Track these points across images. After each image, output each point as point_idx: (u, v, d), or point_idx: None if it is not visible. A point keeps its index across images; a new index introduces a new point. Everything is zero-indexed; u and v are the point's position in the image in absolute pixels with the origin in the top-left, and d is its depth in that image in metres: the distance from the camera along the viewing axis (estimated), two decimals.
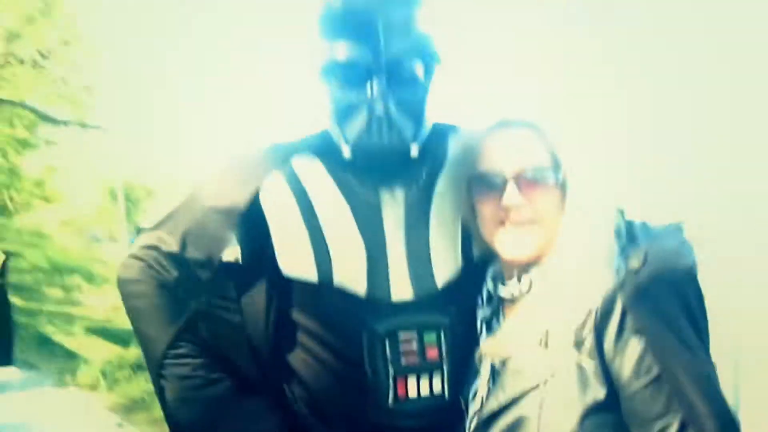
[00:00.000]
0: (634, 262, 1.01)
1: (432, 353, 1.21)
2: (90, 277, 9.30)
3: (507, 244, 1.12)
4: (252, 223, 1.25)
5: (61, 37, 14.66)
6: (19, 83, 16.89)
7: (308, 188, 1.25)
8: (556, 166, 1.12)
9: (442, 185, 1.27)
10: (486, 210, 1.14)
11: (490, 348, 1.15)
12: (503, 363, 1.12)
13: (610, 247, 1.06)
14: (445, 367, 1.22)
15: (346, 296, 1.21)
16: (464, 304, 1.24)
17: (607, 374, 1.01)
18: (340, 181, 1.25)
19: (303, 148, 1.29)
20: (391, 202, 1.25)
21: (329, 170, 1.26)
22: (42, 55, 14.54)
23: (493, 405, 1.09)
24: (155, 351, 1.24)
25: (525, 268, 1.14)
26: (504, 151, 1.13)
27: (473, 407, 1.17)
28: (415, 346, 1.21)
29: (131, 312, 1.30)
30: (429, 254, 1.24)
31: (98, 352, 5.47)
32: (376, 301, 1.22)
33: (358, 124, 1.16)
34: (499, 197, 1.10)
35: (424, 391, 1.21)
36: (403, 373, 1.20)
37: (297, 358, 1.27)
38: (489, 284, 1.22)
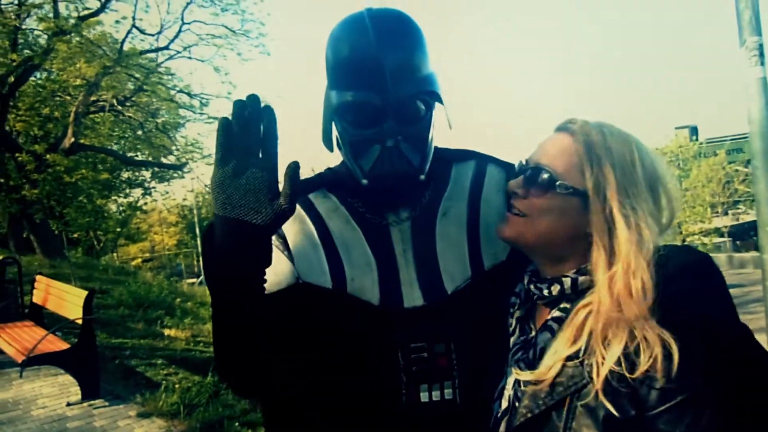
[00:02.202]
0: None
1: (442, 361, 1.28)
2: (171, 310, 9.64)
3: (501, 223, 1.22)
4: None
5: (137, 84, 15.36)
6: (99, 129, 17.83)
7: (324, 216, 1.37)
8: (576, 176, 1.13)
9: (445, 205, 1.40)
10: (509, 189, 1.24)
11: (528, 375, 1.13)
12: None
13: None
14: (455, 374, 1.29)
15: (360, 303, 1.30)
16: (476, 311, 1.31)
17: (635, 397, 1.01)
18: (351, 209, 1.38)
19: (317, 184, 1.43)
20: (397, 222, 1.36)
21: (341, 201, 1.39)
22: (120, 102, 15.25)
23: (523, 411, 1.10)
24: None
25: (559, 273, 1.16)
26: (540, 147, 1.21)
27: (500, 412, 1.19)
28: (425, 355, 1.28)
29: None
30: (437, 264, 1.34)
31: (179, 381, 5.70)
32: (389, 309, 1.30)
33: (372, 156, 1.28)
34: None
35: (436, 397, 1.28)
36: (414, 381, 1.28)
37: (311, 361, 1.34)
38: (525, 282, 1.24)
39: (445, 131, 1.39)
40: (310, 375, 1.34)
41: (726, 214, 32.92)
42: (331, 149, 1.39)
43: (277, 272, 1.30)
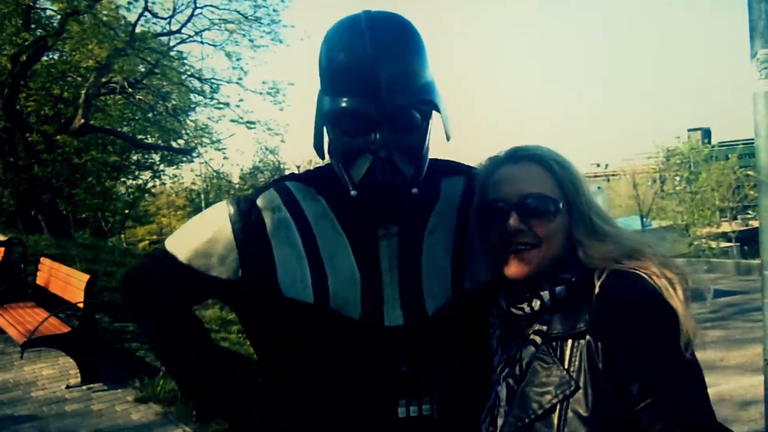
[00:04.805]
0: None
1: (421, 378, 1.28)
2: None
3: (510, 264, 1.23)
4: (254, 243, 1.32)
5: (148, 67, 15.36)
6: (110, 111, 17.87)
7: (312, 222, 1.33)
8: (560, 195, 1.24)
9: (433, 222, 1.37)
10: (493, 235, 1.25)
11: None
12: (523, 382, 1.19)
13: None
14: (434, 390, 1.29)
15: (340, 319, 1.28)
16: (455, 331, 1.31)
17: (620, 396, 1.09)
18: (340, 216, 1.34)
19: (305, 181, 1.40)
20: (386, 236, 1.33)
21: (331, 206, 1.35)
22: (131, 85, 15.25)
23: (513, 423, 1.16)
24: None
25: (536, 289, 1.22)
26: (510, 181, 1.25)
27: (488, 427, 1.23)
28: (404, 369, 1.28)
29: None
30: (421, 284, 1.32)
31: None
32: (370, 326, 1.29)
33: (363, 166, 1.24)
34: (503, 223, 1.22)
35: (414, 413, 1.28)
36: (392, 396, 1.28)
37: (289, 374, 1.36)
38: (503, 305, 1.28)
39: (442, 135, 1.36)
40: (287, 381, 1.35)
41: (735, 218, 32.68)
42: (321, 155, 1.35)
43: (224, 260, 1.33)
